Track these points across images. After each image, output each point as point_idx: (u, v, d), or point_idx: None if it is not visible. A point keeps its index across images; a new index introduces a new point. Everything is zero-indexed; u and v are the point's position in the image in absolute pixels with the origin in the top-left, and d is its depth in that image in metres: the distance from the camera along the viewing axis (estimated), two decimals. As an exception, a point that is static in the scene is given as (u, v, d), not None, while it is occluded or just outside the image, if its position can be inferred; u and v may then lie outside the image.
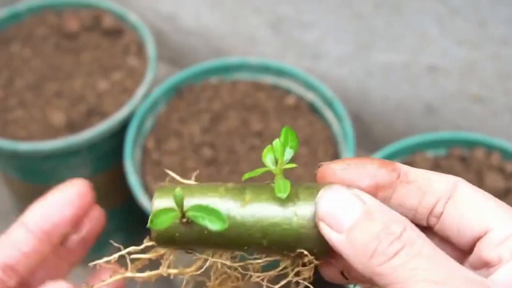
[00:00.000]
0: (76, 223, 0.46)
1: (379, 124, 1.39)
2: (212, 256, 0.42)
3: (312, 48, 1.36)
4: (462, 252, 0.40)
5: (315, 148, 1.16)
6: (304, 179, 1.11)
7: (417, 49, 1.26)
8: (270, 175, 0.43)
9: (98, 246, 0.62)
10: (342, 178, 0.41)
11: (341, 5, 1.28)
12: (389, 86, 1.33)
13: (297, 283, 0.42)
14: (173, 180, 0.44)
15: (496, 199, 0.40)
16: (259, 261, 0.42)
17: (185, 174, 1.13)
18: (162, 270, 0.42)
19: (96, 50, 1.30)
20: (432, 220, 0.40)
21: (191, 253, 0.42)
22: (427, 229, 0.41)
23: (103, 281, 0.41)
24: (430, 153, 1.12)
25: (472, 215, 0.39)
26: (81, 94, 1.23)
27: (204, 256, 0.42)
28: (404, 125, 1.36)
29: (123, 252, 0.42)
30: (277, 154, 0.42)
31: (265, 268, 0.43)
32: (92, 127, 1.17)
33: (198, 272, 0.42)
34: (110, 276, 0.41)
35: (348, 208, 0.39)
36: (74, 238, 0.48)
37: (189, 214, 0.40)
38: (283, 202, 0.41)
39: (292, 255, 0.41)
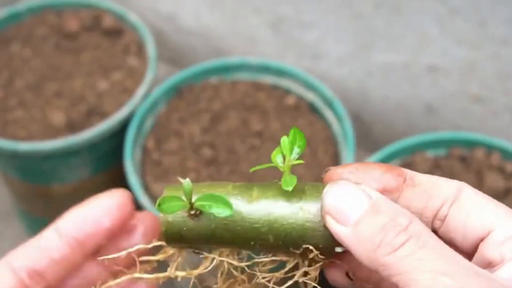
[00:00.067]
0: (113, 234, 0.44)
1: (379, 124, 1.39)
2: (219, 256, 0.42)
3: (312, 48, 1.36)
4: (466, 254, 0.41)
5: (315, 148, 1.16)
6: (305, 179, 1.11)
7: (417, 49, 1.26)
8: (277, 177, 0.43)
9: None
10: None
11: (341, 5, 1.28)
12: (389, 86, 1.33)
13: (304, 284, 0.42)
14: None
15: (498, 202, 0.40)
16: (265, 259, 0.42)
17: (185, 174, 1.13)
18: (170, 272, 0.42)
19: (96, 50, 1.30)
20: (437, 223, 0.41)
21: (198, 253, 0.43)
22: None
23: (115, 279, 0.41)
24: (430, 153, 1.12)
25: (475, 217, 0.40)
26: (81, 94, 1.23)
27: (211, 255, 0.42)
28: (404, 125, 1.36)
29: (131, 250, 0.43)
30: (285, 150, 0.42)
31: (271, 270, 0.43)
32: (92, 127, 1.17)
33: (205, 270, 0.42)
34: (119, 277, 0.41)
35: (354, 202, 0.39)
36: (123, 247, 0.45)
37: (197, 204, 0.41)
38: (289, 197, 0.42)
39: (298, 252, 0.41)
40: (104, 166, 1.24)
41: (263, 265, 0.42)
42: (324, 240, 0.41)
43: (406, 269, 0.36)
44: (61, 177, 1.22)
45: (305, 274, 0.42)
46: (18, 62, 1.28)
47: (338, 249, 0.42)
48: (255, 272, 0.42)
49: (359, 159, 1.26)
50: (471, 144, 1.11)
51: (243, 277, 0.42)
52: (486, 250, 0.39)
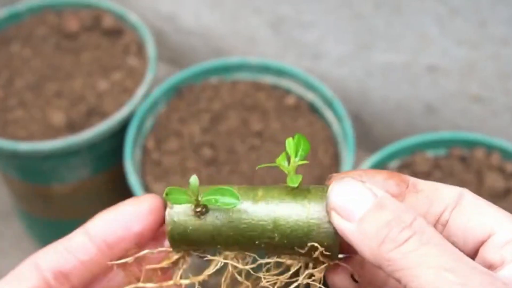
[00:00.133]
0: (143, 240, 0.43)
1: (379, 124, 1.39)
2: (224, 259, 0.42)
3: (312, 48, 1.36)
4: None
5: (315, 148, 1.16)
6: (305, 179, 1.11)
7: (417, 49, 1.26)
8: (277, 177, 0.43)
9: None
10: None
11: (341, 5, 1.28)
12: (389, 86, 1.33)
13: (308, 285, 0.42)
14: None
15: (498, 207, 0.41)
16: (270, 260, 0.42)
17: (185, 174, 1.14)
18: (175, 280, 0.43)
19: (96, 50, 1.30)
20: (439, 228, 0.41)
21: (202, 257, 0.43)
22: None
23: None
24: (430, 153, 1.12)
25: (476, 221, 0.40)
26: (81, 94, 1.23)
27: (216, 258, 0.42)
28: (404, 125, 1.36)
29: (139, 254, 0.43)
30: (290, 151, 0.42)
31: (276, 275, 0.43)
32: (92, 127, 1.17)
33: (209, 273, 0.42)
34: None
35: (360, 199, 0.39)
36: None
37: (204, 199, 0.41)
38: (294, 195, 0.42)
39: (303, 251, 0.41)
40: (104, 166, 1.24)
41: (268, 270, 0.43)
42: (329, 237, 0.41)
43: (409, 264, 0.37)
44: (61, 177, 1.22)
45: (310, 276, 0.42)
46: (18, 62, 1.28)
47: (341, 256, 0.42)
48: (259, 275, 0.42)
49: (359, 159, 1.26)
50: (471, 144, 1.11)
51: (248, 283, 0.42)
52: (487, 253, 0.39)
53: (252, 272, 0.42)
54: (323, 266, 0.42)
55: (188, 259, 0.43)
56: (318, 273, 0.42)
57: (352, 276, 0.43)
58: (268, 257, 0.42)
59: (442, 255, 0.36)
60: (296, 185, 0.42)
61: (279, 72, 1.24)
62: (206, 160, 1.15)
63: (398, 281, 0.37)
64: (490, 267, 0.39)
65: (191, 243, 0.42)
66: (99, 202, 1.30)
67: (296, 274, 0.42)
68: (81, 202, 1.28)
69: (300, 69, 1.24)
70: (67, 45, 1.31)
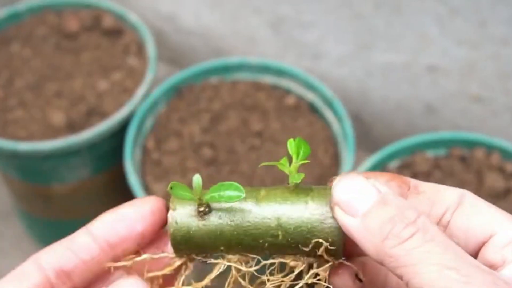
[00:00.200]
0: (145, 240, 0.44)
1: (379, 124, 1.39)
2: (228, 262, 0.42)
3: (312, 48, 1.36)
4: None
5: (315, 148, 1.16)
6: (305, 179, 1.11)
7: (417, 49, 1.26)
8: (277, 177, 0.43)
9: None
10: None
11: (341, 5, 1.28)
12: (389, 86, 1.33)
13: (312, 286, 0.42)
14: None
15: (499, 208, 0.41)
16: (274, 261, 0.42)
17: (185, 174, 1.14)
18: (177, 287, 0.42)
19: (96, 50, 1.30)
20: (440, 230, 0.41)
21: (205, 261, 0.43)
22: None
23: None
24: (430, 153, 1.12)
25: (477, 222, 0.40)
26: (81, 94, 1.23)
27: (219, 261, 0.42)
28: (404, 125, 1.36)
29: (139, 258, 0.43)
30: (292, 152, 0.43)
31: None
32: (92, 127, 1.17)
33: (213, 276, 0.42)
34: None
35: (364, 195, 0.39)
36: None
37: (207, 197, 0.41)
38: (297, 193, 0.42)
39: (307, 249, 0.41)
40: (104, 166, 1.24)
41: (271, 274, 0.42)
42: (333, 233, 0.41)
43: (412, 261, 0.37)
44: (61, 177, 1.22)
45: (315, 276, 0.42)
46: (18, 62, 1.28)
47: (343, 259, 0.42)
48: (263, 279, 0.42)
49: (359, 159, 1.26)
50: (471, 144, 1.11)
51: (251, 287, 0.42)
52: (488, 254, 0.39)
53: (256, 274, 0.42)
54: (327, 265, 0.42)
55: (191, 265, 0.43)
56: (323, 272, 0.42)
57: (356, 276, 0.43)
58: (272, 259, 0.42)
59: (445, 253, 0.37)
60: (298, 181, 0.42)
61: (279, 72, 1.24)
62: (206, 160, 1.15)
63: (400, 277, 0.37)
64: (491, 267, 0.39)
65: (194, 246, 0.42)
66: (99, 202, 1.30)
67: (300, 275, 0.42)
68: (81, 202, 1.28)
69: (300, 69, 1.24)
70: (67, 45, 1.31)
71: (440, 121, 1.32)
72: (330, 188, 0.41)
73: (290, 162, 0.43)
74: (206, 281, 0.42)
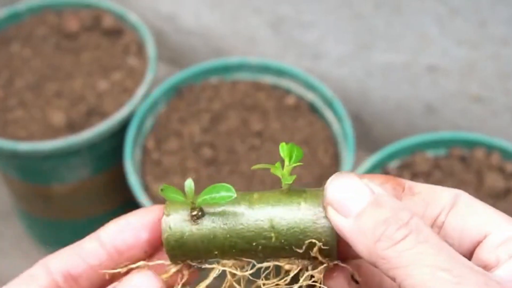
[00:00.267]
0: (152, 248, 0.44)
1: (379, 124, 1.39)
2: (222, 266, 0.42)
3: (312, 48, 1.36)
4: None
5: (315, 148, 1.16)
6: (305, 179, 1.11)
7: (417, 49, 1.26)
8: (277, 179, 0.43)
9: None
10: None
11: (341, 5, 1.28)
12: (389, 86, 1.33)
13: (308, 287, 0.42)
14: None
15: (494, 208, 0.41)
16: (268, 264, 0.42)
17: (185, 174, 1.14)
18: None
19: (96, 50, 1.30)
20: (435, 230, 0.41)
21: (199, 267, 0.43)
22: None
23: None
24: (430, 153, 1.12)
25: (472, 222, 0.40)
26: (81, 94, 1.23)
27: (214, 266, 0.42)
28: (404, 125, 1.36)
29: (134, 265, 0.43)
30: (284, 155, 0.43)
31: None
32: (92, 127, 1.17)
33: (208, 283, 0.42)
34: None
35: (357, 195, 0.39)
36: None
37: (199, 200, 0.41)
38: (290, 195, 0.42)
39: (301, 251, 0.41)
40: (104, 166, 1.24)
41: (266, 278, 0.42)
42: (326, 233, 0.41)
43: (405, 263, 0.36)
44: (61, 177, 1.22)
45: (310, 278, 0.42)
46: (18, 62, 1.28)
47: (337, 262, 0.42)
48: (258, 284, 0.42)
49: (359, 159, 1.26)
50: (471, 144, 1.11)
51: None
52: (482, 254, 0.39)
53: (252, 278, 0.42)
54: (322, 267, 0.41)
55: (186, 273, 0.43)
56: (318, 274, 0.42)
57: (352, 277, 0.43)
58: (267, 262, 0.42)
59: (438, 254, 0.36)
60: (290, 181, 0.42)
61: (279, 72, 1.24)
62: (206, 160, 1.15)
63: (393, 279, 0.37)
64: (486, 267, 0.39)
65: (188, 251, 0.42)
66: (99, 202, 1.30)
67: (296, 279, 0.42)
68: (81, 202, 1.28)
69: (300, 69, 1.24)
70: (67, 45, 1.31)
71: (440, 121, 1.32)
72: (324, 190, 0.41)
73: (283, 166, 0.43)
74: (202, 287, 0.42)
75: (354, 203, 0.39)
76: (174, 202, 0.43)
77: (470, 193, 0.42)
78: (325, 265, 0.41)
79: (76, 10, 1.34)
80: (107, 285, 0.44)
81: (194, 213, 0.42)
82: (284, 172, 0.42)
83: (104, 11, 1.33)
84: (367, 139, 1.41)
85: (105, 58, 1.28)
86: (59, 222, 1.33)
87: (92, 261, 0.43)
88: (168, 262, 0.43)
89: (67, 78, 1.26)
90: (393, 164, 1.11)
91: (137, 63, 1.27)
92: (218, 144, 1.17)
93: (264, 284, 0.42)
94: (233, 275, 0.42)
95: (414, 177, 1.10)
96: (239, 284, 0.42)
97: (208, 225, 0.42)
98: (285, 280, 0.42)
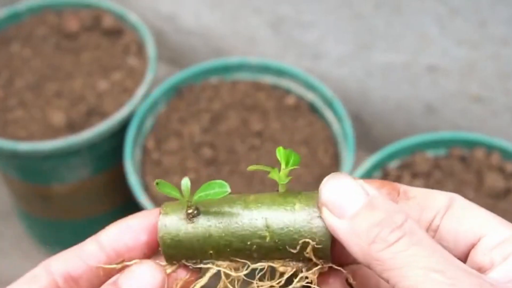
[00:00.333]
0: (151, 250, 0.45)
1: (379, 124, 1.39)
2: (217, 267, 0.42)
3: (312, 48, 1.36)
4: None
5: (315, 148, 1.16)
6: (305, 179, 1.11)
7: (417, 49, 1.26)
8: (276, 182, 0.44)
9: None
10: None
11: (341, 5, 1.28)
12: (389, 86, 1.33)
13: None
14: None
15: (489, 211, 0.41)
16: (264, 264, 0.42)
17: (185, 174, 1.13)
18: None
19: (96, 50, 1.30)
20: (430, 234, 0.42)
21: (195, 268, 0.43)
22: None
23: None
24: (430, 153, 1.12)
25: (466, 225, 0.40)
26: (81, 94, 1.23)
27: (209, 266, 0.42)
28: (404, 125, 1.36)
29: (130, 263, 0.43)
30: (281, 159, 0.43)
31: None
32: (92, 127, 1.17)
33: (203, 284, 0.42)
34: None
35: (352, 196, 0.39)
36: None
37: (195, 198, 0.41)
38: (286, 196, 0.42)
39: (295, 251, 0.41)
40: (104, 166, 1.24)
41: (261, 279, 0.42)
42: (319, 233, 0.41)
43: (398, 265, 0.37)
44: (61, 177, 1.22)
45: (304, 280, 0.42)
46: (18, 62, 1.28)
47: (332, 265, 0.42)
48: (253, 283, 0.42)
49: (359, 159, 1.26)
50: (471, 144, 1.12)
51: None
52: (477, 256, 0.39)
53: (246, 279, 0.42)
54: (316, 268, 0.41)
55: (188, 274, 0.43)
56: (312, 275, 0.42)
57: (347, 281, 0.43)
58: (259, 258, 0.42)
59: (432, 256, 0.37)
60: (285, 182, 0.42)
61: (279, 72, 1.24)
62: (206, 160, 1.15)
63: (387, 281, 0.37)
64: (480, 269, 0.39)
65: (184, 250, 0.42)
66: (99, 202, 1.30)
67: (289, 282, 0.42)
68: (81, 202, 1.28)
69: (300, 69, 1.24)
70: (67, 45, 1.31)
71: (440, 121, 1.32)
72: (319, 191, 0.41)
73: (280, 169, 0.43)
74: (197, 287, 0.42)
75: (349, 205, 0.39)
76: (172, 202, 0.43)
77: (470, 193, 0.42)
78: (319, 266, 0.41)
79: (76, 10, 1.34)
80: None
81: (190, 211, 0.42)
82: (281, 176, 0.43)
83: (104, 11, 1.33)
84: (367, 139, 1.41)
85: (105, 58, 1.28)
86: (59, 222, 1.33)
87: (92, 262, 0.43)
88: (164, 263, 0.43)
89: (67, 78, 1.26)
90: (393, 164, 1.11)
91: (137, 63, 1.27)
92: (218, 144, 1.17)
93: (258, 286, 0.42)
94: (228, 276, 0.42)
95: (414, 177, 1.10)
96: (233, 286, 0.42)
97: (203, 223, 0.42)
98: (279, 282, 0.42)
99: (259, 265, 0.42)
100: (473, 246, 0.40)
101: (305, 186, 1.09)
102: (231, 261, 0.42)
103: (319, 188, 0.41)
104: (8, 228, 1.44)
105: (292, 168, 0.43)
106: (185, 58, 1.53)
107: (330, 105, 1.19)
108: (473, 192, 1.07)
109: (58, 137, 1.17)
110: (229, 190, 0.41)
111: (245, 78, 1.25)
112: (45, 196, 1.26)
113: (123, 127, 1.17)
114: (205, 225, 0.42)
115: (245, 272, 0.42)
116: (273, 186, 0.44)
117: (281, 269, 0.42)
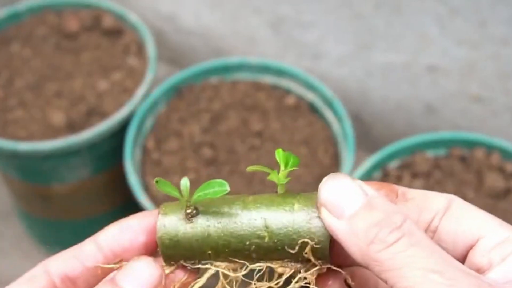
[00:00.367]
0: (149, 250, 0.45)
1: (379, 124, 1.39)
2: (216, 267, 0.42)
3: (312, 48, 1.36)
4: None
5: (315, 148, 1.16)
6: (304, 179, 1.11)
7: (417, 49, 1.26)
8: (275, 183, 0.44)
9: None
10: None
11: (341, 5, 1.28)
12: (389, 86, 1.33)
13: None
14: None
15: (487, 212, 0.41)
16: (262, 264, 0.42)
17: (185, 174, 1.14)
18: None
19: (96, 50, 1.30)
20: (429, 235, 0.41)
21: (193, 268, 0.43)
22: None
23: None
24: (430, 153, 1.12)
25: (465, 226, 0.40)
26: (81, 94, 1.23)
27: (207, 266, 0.42)
28: (404, 125, 1.36)
29: (126, 263, 0.43)
30: (280, 160, 0.43)
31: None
32: (92, 127, 1.17)
33: (201, 284, 0.42)
34: None
35: (351, 196, 0.39)
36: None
37: (194, 198, 0.41)
38: (284, 197, 0.42)
39: (293, 252, 0.41)
40: (104, 166, 1.24)
41: (259, 280, 0.42)
42: (318, 233, 0.41)
43: (397, 265, 0.37)
44: (61, 177, 1.22)
45: (302, 280, 0.42)
46: (18, 62, 1.28)
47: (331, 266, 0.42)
48: (251, 284, 0.42)
49: (359, 159, 1.26)
50: (471, 144, 1.12)
51: None
52: (475, 257, 0.39)
53: (244, 279, 0.42)
54: (315, 269, 0.41)
55: (181, 275, 0.43)
56: (311, 275, 0.42)
57: (345, 281, 0.43)
58: (258, 258, 0.42)
59: (430, 257, 0.37)
60: (284, 182, 0.42)
61: (279, 72, 1.24)
62: (206, 160, 1.15)
63: (385, 282, 0.37)
64: (479, 270, 0.39)
65: (183, 250, 0.42)
66: (99, 202, 1.30)
67: (288, 283, 0.42)
68: (81, 202, 1.28)
69: (300, 69, 1.24)
70: (67, 45, 1.31)
71: (440, 121, 1.32)
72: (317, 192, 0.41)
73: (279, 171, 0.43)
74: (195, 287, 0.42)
75: (348, 205, 0.39)
76: (171, 202, 0.43)
77: (470, 193, 0.42)
78: (317, 267, 0.41)
79: (76, 10, 1.34)
80: None
81: (189, 211, 0.42)
82: (280, 177, 0.43)
83: (104, 11, 1.33)
84: (367, 139, 1.41)
85: (105, 58, 1.28)
86: (59, 222, 1.33)
87: (89, 263, 0.44)
88: (162, 263, 0.43)
89: (67, 78, 1.26)
90: (393, 164, 1.11)
91: (137, 63, 1.27)
92: (218, 144, 1.17)
93: (256, 287, 0.42)
94: (226, 277, 0.42)
95: (414, 177, 1.10)
96: (231, 286, 0.42)
97: (202, 223, 0.42)
98: (277, 283, 0.42)
99: (257, 265, 0.42)
100: (471, 247, 0.40)
101: (305, 186, 1.09)
102: (229, 261, 0.42)
103: (318, 188, 0.41)
104: (8, 228, 1.44)
105: (290, 169, 0.43)
106: (185, 58, 1.53)
107: (330, 105, 1.19)
108: (473, 192, 1.07)
109: (58, 137, 1.17)
110: (228, 189, 0.41)
111: (245, 78, 1.25)
112: (45, 196, 1.26)
113: (123, 127, 1.17)
114: (204, 225, 0.42)
115: (243, 272, 0.42)
116: (273, 186, 0.44)
117: (280, 269, 0.42)
